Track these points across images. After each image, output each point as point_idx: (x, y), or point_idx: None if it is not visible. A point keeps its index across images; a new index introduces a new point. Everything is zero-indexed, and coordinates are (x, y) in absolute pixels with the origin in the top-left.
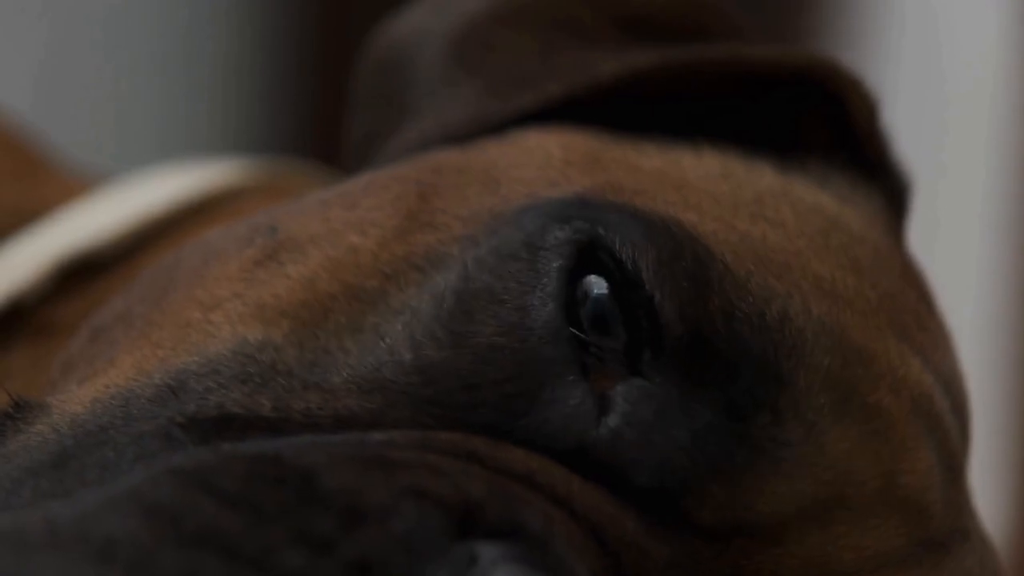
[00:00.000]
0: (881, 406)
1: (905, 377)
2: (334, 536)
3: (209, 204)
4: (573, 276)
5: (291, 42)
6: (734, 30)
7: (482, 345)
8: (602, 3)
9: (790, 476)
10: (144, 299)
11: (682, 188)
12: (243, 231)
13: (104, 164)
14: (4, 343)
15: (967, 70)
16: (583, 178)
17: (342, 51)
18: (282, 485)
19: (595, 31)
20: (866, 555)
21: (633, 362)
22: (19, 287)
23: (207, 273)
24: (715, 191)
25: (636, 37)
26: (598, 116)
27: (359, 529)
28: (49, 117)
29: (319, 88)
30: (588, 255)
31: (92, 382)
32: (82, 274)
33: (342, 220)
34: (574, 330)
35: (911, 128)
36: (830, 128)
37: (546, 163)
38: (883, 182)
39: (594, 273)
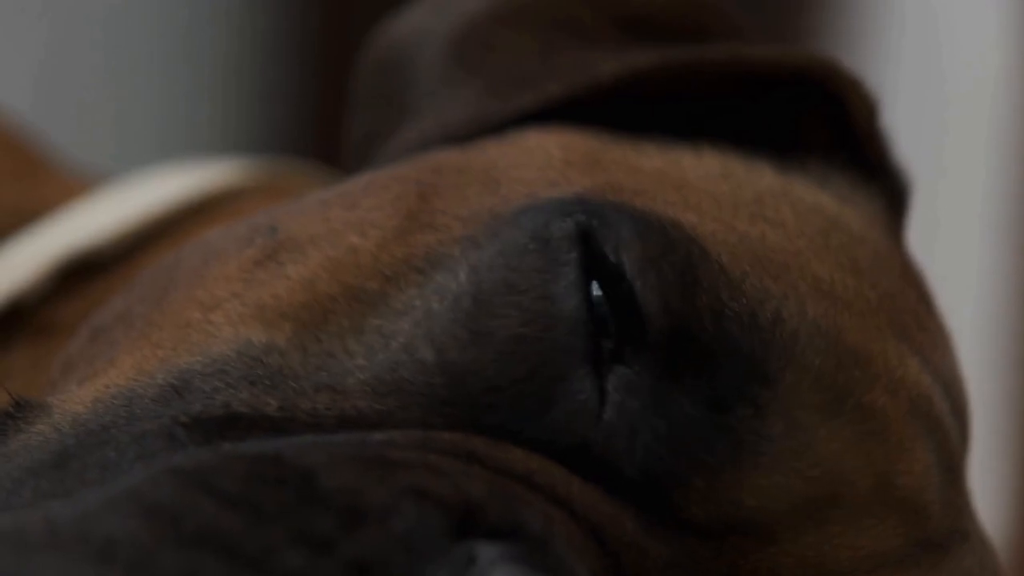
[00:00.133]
0: (876, 407)
1: (903, 378)
2: (334, 536)
3: (209, 204)
4: (587, 269)
5: (291, 42)
6: (734, 30)
7: (505, 338)
8: (602, 3)
9: (771, 471)
10: (144, 299)
11: (682, 188)
12: (243, 231)
13: (104, 164)
14: (4, 343)
15: (967, 70)
16: (583, 178)
17: (342, 51)
18: (282, 485)
19: (595, 31)
20: (862, 555)
21: (619, 354)
22: (19, 287)
23: (207, 273)
24: (715, 191)
25: (636, 37)
26: (598, 116)
27: (359, 529)
28: (49, 117)
29: (319, 88)
30: (587, 250)
31: (92, 382)
32: (82, 274)
33: (342, 220)
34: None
35: (911, 128)
36: (830, 128)
37: (546, 163)
38: (883, 182)
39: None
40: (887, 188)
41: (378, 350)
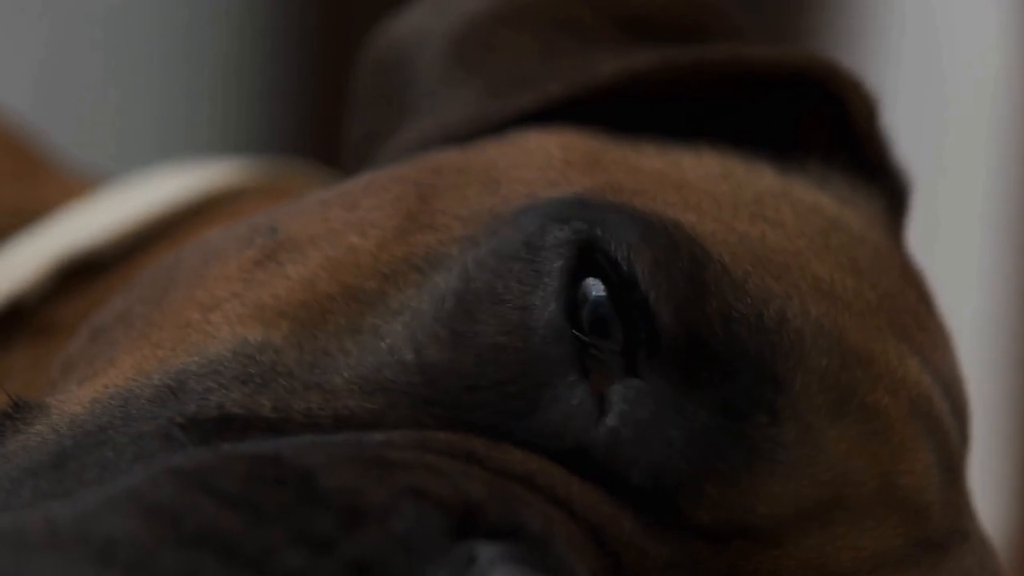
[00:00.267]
0: (879, 407)
1: (904, 378)
2: (334, 536)
3: (209, 204)
4: (574, 277)
5: (291, 42)
6: (734, 30)
7: (484, 345)
8: (602, 3)
9: (787, 478)
10: (144, 299)
11: (682, 189)
12: (243, 231)
13: (104, 164)
14: (4, 343)
15: (967, 70)
16: (583, 179)
17: (342, 51)
18: (282, 485)
19: (595, 31)
20: (864, 555)
21: (630, 363)
22: (19, 287)
23: (207, 273)
24: (715, 192)
25: (636, 37)
26: (599, 116)
27: (358, 529)
28: (49, 117)
29: (319, 88)
30: (587, 256)
31: (92, 382)
32: (82, 274)
33: (342, 221)
34: (575, 331)
35: (911, 128)
36: (830, 128)
37: (546, 164)
38: (883, 183)
39: (592, 274)
40: (887, 188)
41: (370, 350)
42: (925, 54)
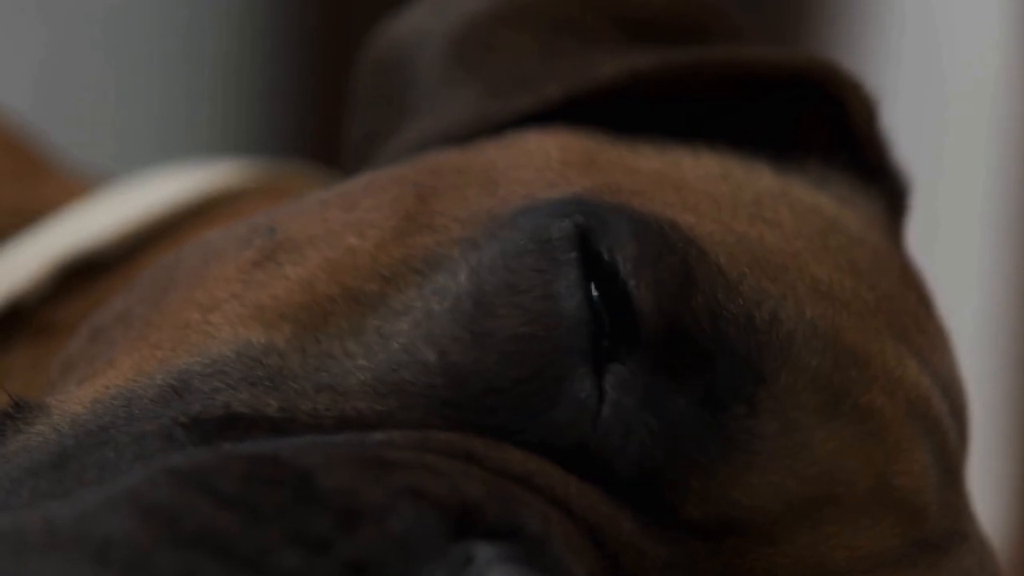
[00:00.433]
0: (874, 407)
1: (901, 378)
2: (331, 536)
3: (209, 205)
4: (586, 269)
5: (291, 42)
6: (734, 31)
7: (507, 339)
8: (602, 4)
9: (764, 470)
10: (144, 300)
11: (681, 189)
12: (242, 232)
13: (104, 164)
14: (4, 343)
15: (967, 70)
16: (581, 179)
17: (342, 51)
18: (279, 485)
19: (595, 32)
20: (859, 555)
21: (616, 352)
22: (19, 287)
23: (206, 274)
24: (714, 192)
25: (636, 38)
26: (599, 116)
27: (356, 529)
28: (49, 117)
29: (319, 88)
30: (584, 248)
31: (92, 382)
32: (83, 274)
33: (340, 221)
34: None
35: (911, 128)
36: (830, 129)
37: (545, 164)
38: (882, 184)
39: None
40: (886, 190)
41: (378, 351)
42: (925, 54)
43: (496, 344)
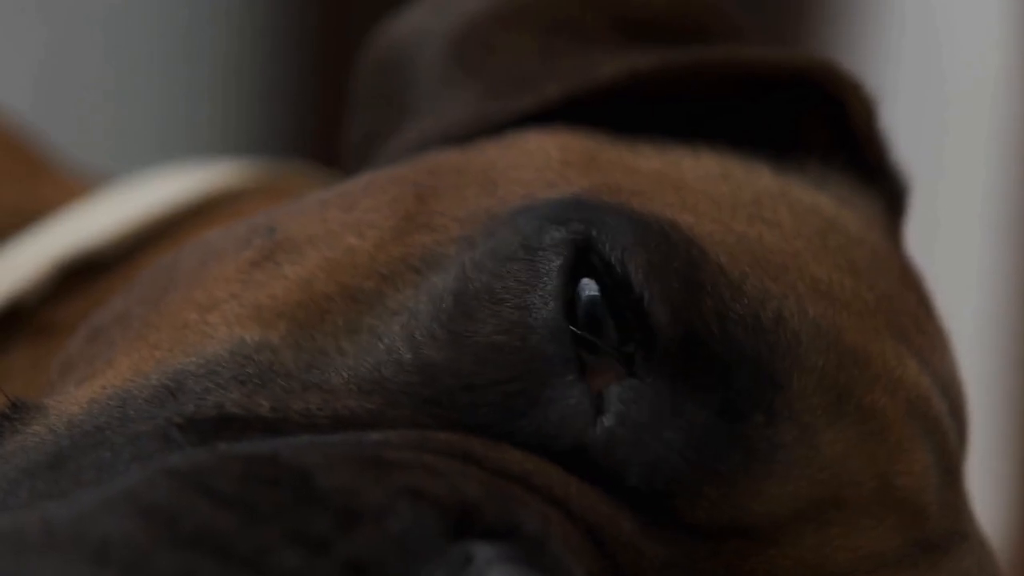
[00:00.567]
0: (876, 407)
1: (902, 378)
2: (330, 536)
3: (209, 205)
4: (572, 277)
5: (291, 42)
6: (734, 31)
7: (482, 344)
8: (602, 4)
9: (784, 478)
10: (143, 300)
11: (680, 189)
12: (242, 232)
13: (104, 164)
14: (4, 343)
15: (967, 70)
16: (581, 179)
17: (342, 51)
18: (278, 485)
19: (595, 32)
20: (861, 556)
21: (629, 363)
22: (19, 287)
23: (205, 274)
24: (713, 192)
25: (636, 38)
26: (599, 116)
27: (355, 529)
28: (49, 117)
29: (319, 88)
30: (583, 256)
31: (90, 383)
32: (82, 274)
33: (340, 221)
34: (573, 329)
35: (911, 128)
36: (829, 129)
37: (544, 164)
38: (882, 184)
39: (588, 274)
40: (886, 190)
41: (368, 349)
42: (925, 54)
43: (472, 345)
